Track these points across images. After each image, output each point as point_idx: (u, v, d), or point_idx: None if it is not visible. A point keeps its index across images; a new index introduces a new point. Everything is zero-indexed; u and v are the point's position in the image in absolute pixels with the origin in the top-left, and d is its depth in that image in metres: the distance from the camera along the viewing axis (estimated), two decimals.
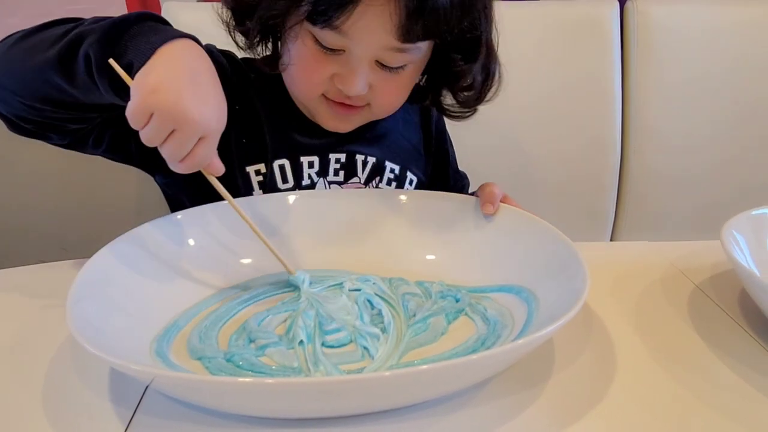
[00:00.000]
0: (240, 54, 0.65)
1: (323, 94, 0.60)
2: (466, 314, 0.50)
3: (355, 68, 0.57)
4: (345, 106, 0.61)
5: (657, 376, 0.44)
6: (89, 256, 0.47)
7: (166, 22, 0.50)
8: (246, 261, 0.56)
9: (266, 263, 0.55)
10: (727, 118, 1.02)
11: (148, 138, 0.45)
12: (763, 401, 0.41)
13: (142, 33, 0.47)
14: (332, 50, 0.56)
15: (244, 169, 0.64)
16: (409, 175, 0.71)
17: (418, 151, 0.74)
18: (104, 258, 0.47)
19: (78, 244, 0.55)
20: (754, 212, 0.57)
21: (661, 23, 0.98)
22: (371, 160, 0.68)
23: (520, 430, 0.38)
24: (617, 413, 0.40)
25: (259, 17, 0.55)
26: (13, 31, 0.53)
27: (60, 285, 0.43)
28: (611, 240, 1.08)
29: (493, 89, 0.64)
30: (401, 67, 0.59)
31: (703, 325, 0.50)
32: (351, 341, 0.46)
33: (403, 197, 0.62)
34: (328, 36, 0.54)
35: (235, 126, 0.63)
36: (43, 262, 0.60)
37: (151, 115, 0.43)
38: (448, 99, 0.67)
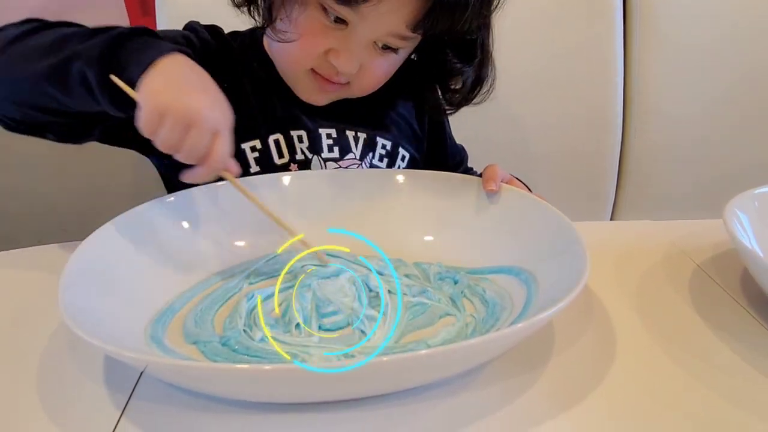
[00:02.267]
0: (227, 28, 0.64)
1: (312, 68, 0.60)
2: (464, 296, 0.49)
3: (354, 47, 0.56)
4: (329, 81, 0.60)
5: (658, 358, 0.43)
6: None
7: (156, 35, 0.51)
8: (240, 243, 0.55)
9: (261, 245, 0.55)
10: (731, 96, 1.00)
11: (165, 142, 0.44)
12: (765, 382, 0.41)
13: (137, 49, 0.47)
14: (337, 22, 0.55)
15: (239, 147, 0.63)
16: (401, 151, 0.70)
17: (411, 126, 0.73)
18: (96, 242, 0.47)
19: (78, 225, 0.54)
20: (757, 191, 0.56)
21: None
22: (362, 135, 0.67)
23: (520, 413, 0.38)
24: (618, 395, 0.39)
25: None
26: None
27: (59, 267, 0.42)
28: (612, 219, 1.07)
29: (482, 94, 0.65)
30: (394, 51, 0.59)
31: (704, 306, 0.50)
32: (348, 324, 0.46)
33: (400, 177, 0.61)
34: (342, 9, 0.54)
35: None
36: (43, 243, 0.59)
37: (162, 119, 0.43)
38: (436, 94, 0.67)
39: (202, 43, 0.63)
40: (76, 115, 0.51)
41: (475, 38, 0.60)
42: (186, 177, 0.47)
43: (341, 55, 0.57)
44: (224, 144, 0.46)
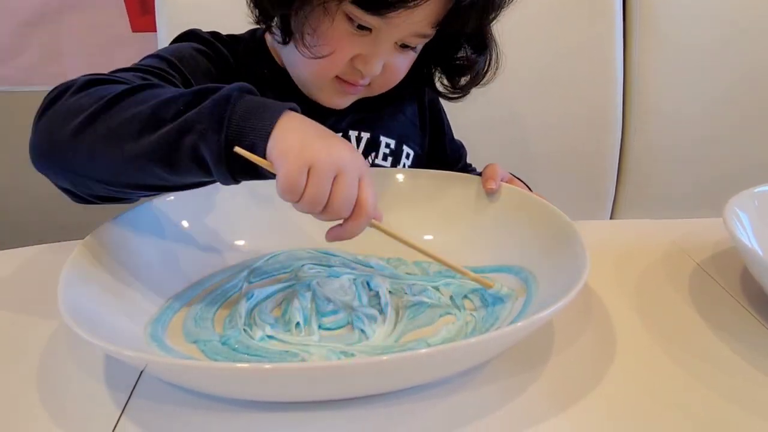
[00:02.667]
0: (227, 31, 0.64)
1: (336, 75, 0.59)
2: (464, 295, 0.49)
3: (380, 50, 0.57)
4: (353, 85, 0.60)
5: (657, 357, 0.43)
6: None
7: (254, 92, 0.45)
8: (240, 242, 0.55)
9: (261, 244, 0.55)
10: (730, 95, 1.00)
11: (312, 197, 0.40)
12: (765, 381, 0.41)
13: (250, 112, 0.41)
14: (360, 29, 0.55)
15: None
16: (405, 149, 0.70)
17: (413, 123, 0.73)
18: (96, 242, 0.47)
19: (78, 224, 0.54)
20: (757, 189, 0.56)
21: None
22: (365, 135, 0.67)
23: (519, 412, 0.38)
24: (617, 394, 0.39)
25: None
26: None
27: (58, 266, 0.42)
28: (611, 218, 1.07)
29: (490, 73, 0.64)
30: (413, 48, 0.59)
31: (704, 305, 0.50)
32: (348, 323, 0.46)
33: (400, 176, 0.61)
34: (368, 18, 0.53)
35: None
36: (43, 242, 0.59)
37: (308, 174, 0.40)
38: (444, 80, 0.67)
39: (209, 46, 0.62)
40: (175, 187, 0.48)
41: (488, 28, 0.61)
42: (334, 236, 0.44)
43: (368, 60, 0.57)
44: (372, 189, 0.43)
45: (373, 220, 0.44)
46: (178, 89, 0.45)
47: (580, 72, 0.97)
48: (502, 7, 0.57)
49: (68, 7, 1.11)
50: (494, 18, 0.58)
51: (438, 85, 0.68)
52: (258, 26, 0.62)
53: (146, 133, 0.42)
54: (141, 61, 0.57)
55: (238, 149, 0.40)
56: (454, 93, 0.67)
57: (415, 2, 0.51)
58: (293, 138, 0.41)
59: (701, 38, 0.97)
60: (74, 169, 0.45)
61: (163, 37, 0.89)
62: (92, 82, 0.46)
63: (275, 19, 0.58)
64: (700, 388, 0.40)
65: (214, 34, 0.65)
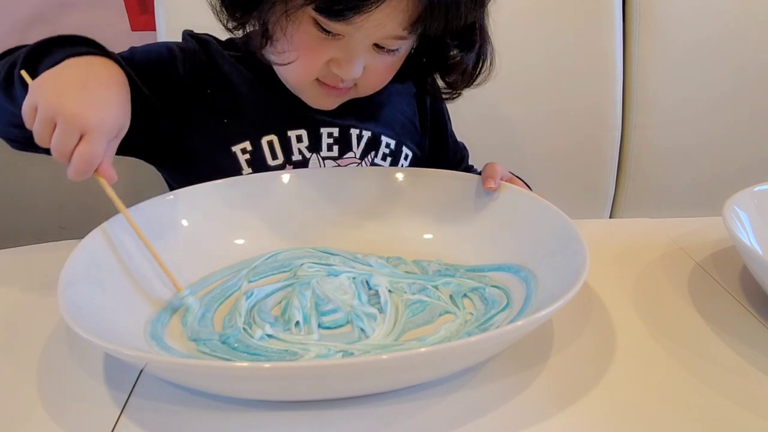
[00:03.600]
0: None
1: (317, 79, 0.59)
2: (464, 294, 0.49)
3: (354, 54, 0.56)
4: (335, 88, 0.60)
5: (657, 356, 0.43)
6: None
7: (95, 44, 0.54)
8: (240, 241, 0.55)
9: (261, 243, 0.55)
10: (730, 94, 1.00)
11: (36, 135, 0.46)
12: (764, 380, 0.41)
13: (62, 48, 0.50)
14: (333, 34, 0.55)
15: (230, 150, 0.63)
16: (405, 150, 0.70)
17: (414, 124, 0.73)
18: (95, 241, 0.47)
19: (78, 223, 0.54)
20: (756, 188, 0.56)
21: None
22: (366, 134, 0.67)
23: (518, 411, 0.38)
24: (616, 392, 0.40)
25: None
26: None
27: (58, 265, 0.42)
28: (611, 217, 1.07)
29: (483, 74, 0.64)
30: (396, 50, 0.58)
31: (703, 304, 0.50)
32: (348, 322, 0.46)
33: (400, 175, 0.61)
34: (334, 24, 0.53)
35: (212, 109, 0.64)
36: (42, 241, 0.59)
37: (35, 112, 0.46)
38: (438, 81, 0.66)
39: (182, 51, 0.64)
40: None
41: (473, 24, 0.59)
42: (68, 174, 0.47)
43: (342, 63, 0.56)
44: (89, 145, 0.45)
45: (97, 176, 0.47)
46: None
47: (579, 70, 0.97)
48: (480, 6, 0.56)
49: (68, 6, 1.11)
50: (473, 16, 0.56)
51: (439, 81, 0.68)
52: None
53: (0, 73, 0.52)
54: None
55: (22, 72, 0.49)
56: (445, 92, 0.67)
57: (368, 7, 0.50)
58: (48, 75, 0.47)
59: (701, 36, 0.97)
60: None
61: (162, 36, 0.89)
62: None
63: (246, 26, 0.58)
64: (700, 387, 0.40)
65: (204, 36, 0.66)
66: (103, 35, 0.56)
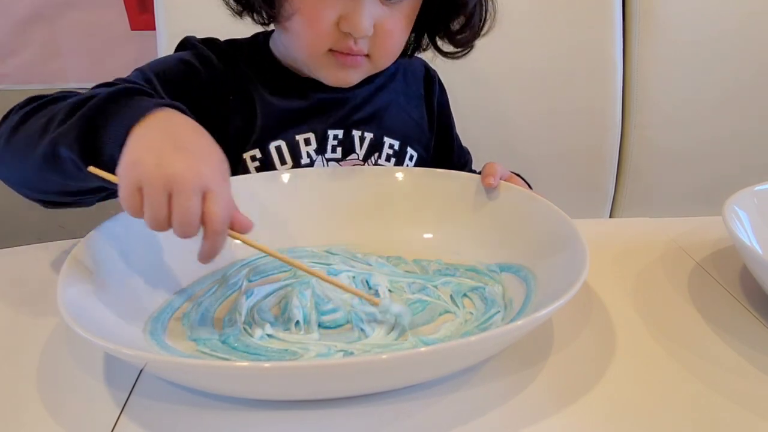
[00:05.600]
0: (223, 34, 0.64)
1: (330, 48, 0.59)
2: (464, 294, 0.49)
3: (360, 5, 0.56)
4: (349, 56, 0.60)
5: (657, 355, 0.43)
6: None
7: (140, 91, 0.46)
8: (239, 241, 0.55)
9: (261, 243, 0.54)
10: (730, 94, 1.00)
11: (152, 218, 0.39)
12: (764, 380, 0.41)
13: (115, 118, 0.42)
14: None
15: (241, 156, 0.63)
16: (410, 151, 0.70)
17: (420, 126, 0.73)
18: (95, 240, 0.47)
19: (78, 223, 0.54)
20: (756, 188, 0.56)
21: None
22: (368, 136, 0.67)
23: (518, 410, 0.38)
24: (616, 392, 0.40)
25: None
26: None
27: (58, 265, 0.42)
28: (611, 216, 1.07)
29: (488, 23, 0.64)
30: (401, 1, 0.58)
31: (703, 303, 0.50)
32: (347, 321, 0.46)
33: (400, 175, 0.61)
34: None
35: (234, 115, 0.63)
36: (42, 241, 0.59)
37: (142, 194, 0.39)
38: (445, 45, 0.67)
39: (201, 58, 0.63)
40: (86, 191, 0.49)
41: None
42: (199, 257, 0.41)
43: (351, 17, 0.56)
44: (217, 203, 0.39)
45: (232, 232, 0.41)
46: (72, 98, 0.47)
47: (579, 70, 0.97)
48: None
49: (67, 5, 1.11)
50: None
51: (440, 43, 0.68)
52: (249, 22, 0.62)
53: (37, 146, 0.45)
54: (129, 75, 0.59)
55: (92, 169, 0.41)
56: (456, 51, 0.67)
57: None
58: (133, 151, 0.40)
59: (701, 36, 0.97)
60: (7, 178, 0.50)
61: (162, 36, 0.89)
62: (31, 99, 0.49)
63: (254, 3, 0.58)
64: (700, 387, 0.40)
65: (209, 41, 0.66)
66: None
